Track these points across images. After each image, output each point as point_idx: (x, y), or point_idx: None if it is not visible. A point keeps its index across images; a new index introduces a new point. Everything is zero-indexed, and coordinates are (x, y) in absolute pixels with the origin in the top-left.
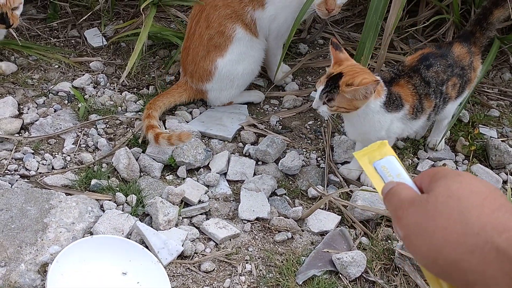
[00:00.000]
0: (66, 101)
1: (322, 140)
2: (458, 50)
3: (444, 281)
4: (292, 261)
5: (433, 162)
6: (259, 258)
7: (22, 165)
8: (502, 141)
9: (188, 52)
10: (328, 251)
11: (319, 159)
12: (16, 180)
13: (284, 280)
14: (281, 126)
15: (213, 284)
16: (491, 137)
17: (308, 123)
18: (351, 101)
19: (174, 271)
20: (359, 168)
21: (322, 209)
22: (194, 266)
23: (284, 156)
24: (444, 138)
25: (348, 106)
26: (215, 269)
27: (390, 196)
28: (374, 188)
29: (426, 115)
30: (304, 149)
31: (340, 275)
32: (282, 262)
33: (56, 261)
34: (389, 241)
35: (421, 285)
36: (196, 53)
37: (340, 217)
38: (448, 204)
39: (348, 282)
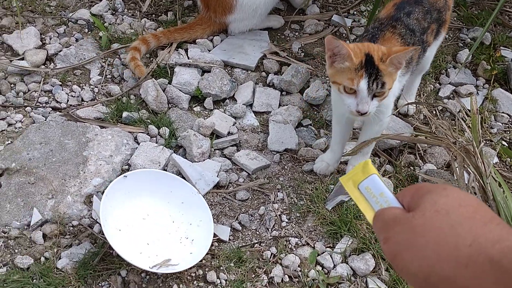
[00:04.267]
0: (86, 30)
1: None
2: None
3: None
4: (321, 189)
5: (454, 87)
6: (289, 187)
7: (52, 97)
8: None
9: None
10: None
11: None
12: (49, 113)
13: (314, 207)
14: (303, 54)
15: (249, 212)
16: None
17: None
18: (392, 76)
19: (212, 200)
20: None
21: None
22: (230, 195)
23: (309, 86)
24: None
25: (391, 84)
26: (250, 197)
27: (375, 222)
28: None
29: (413, 67)
30: (327, 77)
31: None
32: (311, 190)
33: (106, 195)
34: (411, 167)
35: None
36: None
37: None
38: (437, 218)
39: None
